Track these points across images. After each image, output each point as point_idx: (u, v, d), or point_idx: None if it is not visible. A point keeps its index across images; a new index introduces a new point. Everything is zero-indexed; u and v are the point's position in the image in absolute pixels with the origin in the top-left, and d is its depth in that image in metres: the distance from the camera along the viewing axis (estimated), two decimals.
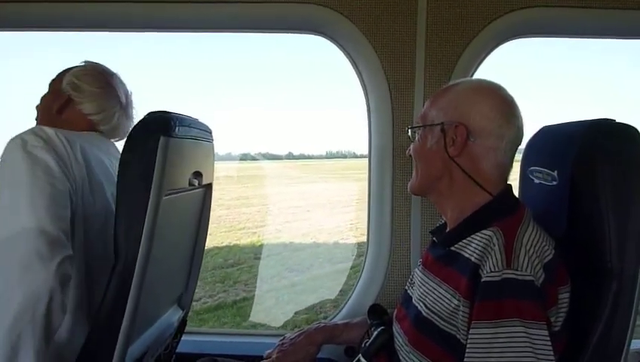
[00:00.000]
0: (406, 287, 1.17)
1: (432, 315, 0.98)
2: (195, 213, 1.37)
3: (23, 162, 1.01)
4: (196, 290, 1.52)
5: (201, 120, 1.28)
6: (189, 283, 1.43)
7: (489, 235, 0.95)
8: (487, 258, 0.92)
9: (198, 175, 1.23)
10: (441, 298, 0.98)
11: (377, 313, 1.20)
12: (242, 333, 1.87)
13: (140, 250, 0.99)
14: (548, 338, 0.86)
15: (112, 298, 0.99)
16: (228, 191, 12.98)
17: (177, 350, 1.46)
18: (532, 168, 1.21)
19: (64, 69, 1.33)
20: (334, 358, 1.57)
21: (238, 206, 11.28)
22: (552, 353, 0.85)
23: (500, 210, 1.01)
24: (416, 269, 1.17)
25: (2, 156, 1.05)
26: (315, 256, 7.49)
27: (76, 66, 1.33)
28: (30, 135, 1.06)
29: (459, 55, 1.64)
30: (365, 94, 1.73)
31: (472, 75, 1.67)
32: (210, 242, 7.92)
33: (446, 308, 0.96)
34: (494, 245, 0.93)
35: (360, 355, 1.14)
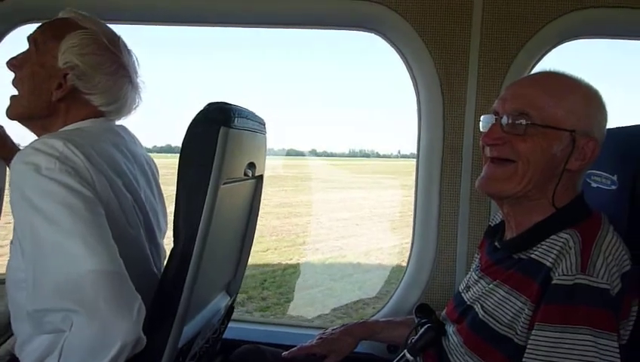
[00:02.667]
0: (460, 290, 1.16)
1: (490, 319, 0.97)
2: (246, 203, 1.40)
3: (49, 190, 0.88)
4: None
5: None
6: (237, 270, 1.47)
7: (565, 238, 0.92)
8: (562, 261, 0.89)
9: (252, 166, 1.27)
10: (503, 302, 0.96)
11: (425, 312, 1.20)
12: (284, 323, 1.91)
13: (198, 234, 1.02)
14: (617, 351, 0.83)
15: (171, 278, 1.03)
16: (266, 194, 12.40)
17: (223, 336, 1.50)
18: (590, 172, 1.18)
19: (50, 25, 1.11)
20: (377, 354, 1.58)
21: (287, 215, 11.00)
22: None
23: (571, 217, 0.98)
24: (472, 272, 1.15)
25: (14, 183, 0.91)
26: (385, 279, 7.17)
27: (69, 29, 1.09)
28: (39, 155, 0.91)
29: (514, 55, 1.62)
30: (416, 93, 1.73)
31: None
32: (279, 257, 7.88)
33: (508, 311, 0.94)
34: (570, 248, 0.90)
35: (405, 351, 1.14)
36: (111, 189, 1.01)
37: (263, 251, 8.01)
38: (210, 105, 1.08)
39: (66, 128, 1.11)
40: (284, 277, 7.00)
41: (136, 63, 1.20)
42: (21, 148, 1.05)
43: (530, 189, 0.99)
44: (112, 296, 0.86)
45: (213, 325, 1.35)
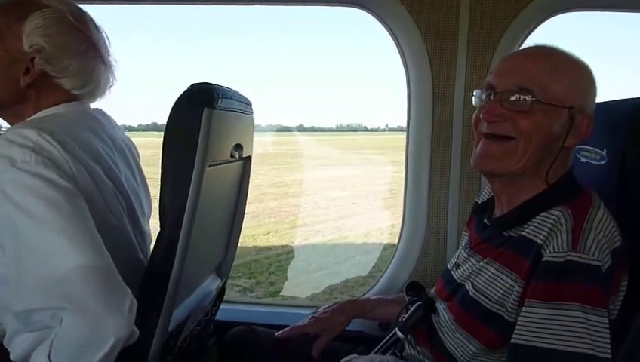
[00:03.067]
0: (449, 267, 1.16)
1: (481, 296, 0.97)
2: (234, 185, 1.39)
3: (28, 185, 0.84)
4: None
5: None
6: (227, 253, 1.47)
7: (556, 215, 0.92)
8: (553, 238, 0.89)
9: (238, 147, 1.25)
10: (494, 279, 0.96)
11: (415, 290, 1.20)
12: (277, 304, 1.92)
13: (185, 217, 1.01)
14: (607, 327, 0.83)
15: (159, 262, 1.02)
16: (258, 173, 12.21)
17: (216, 317, 1.50)
18: (579, 147, 1.18)
19: (7, 3, 1.04)
20: (368, 331, 1.59)
21: (283, 195, 10.70)
22: (609, 342, 0.83)
23: (562, 193, 0.97)
24: (461, 250, 1.15)
25: None
26: (385, 260, 7.25)
27: (30, 8, 1.01)
28: (13, 147, 0.86)
29: (503, 30, 1.60)
30: (405, 69, 1.71)
31: None
32: (281, 240, 7.77)
33: (499, 289, 0.94)
34: (562, 226, 0.90)
35: (396, 328, 1.15)
36: (90, 178, 0.97)
37: (264, 234, 7.90)
38: (193, 85, 1.06)
39: (39, 115, 1.05)
40: (289, 261, 6.94)
41: (106, 41, 1.13)
42: None
43: (528, 167, 0.97)
44: (101, 293, 0.84)
45: (205, 307, 1.34)
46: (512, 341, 0.88)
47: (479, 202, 1.21)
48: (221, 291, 1.47)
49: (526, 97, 0.94)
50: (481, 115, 1.01)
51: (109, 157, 1.09)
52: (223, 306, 1.52)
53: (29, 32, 1.00)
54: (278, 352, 1.37)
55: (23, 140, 0.88)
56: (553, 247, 0.87)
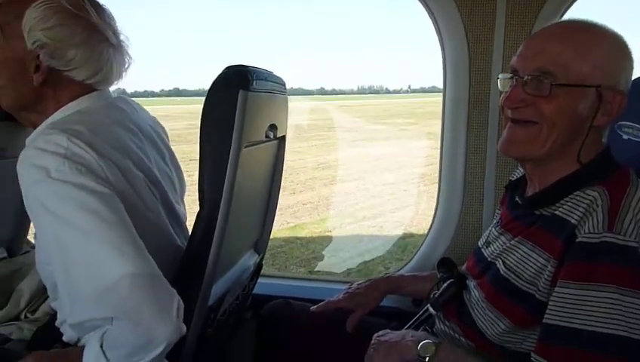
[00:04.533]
0: (480, 245, 1.16)
1: (512, 275, 0.97)
2: (270, 164, 1.42)
3: (64, 196, 0.84)
4: None
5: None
6: (264, 230, 1.51)
7: (593, 196, 0.90)
8: (588, 218, 0.87)
9: (273, 127, 1.27)
10: (525, 258, 0.96)
11: (447, 266, 1.21)
12: (313, 278, 1.96)
13: (223, 197, 1.05)
14: None
15: (198, 241, 1.07)
16: (298, 151, 11.63)
17: (253, 291, 1.56)
18: (621, 123, 1.14)
19: (4, 2, 0.99)
20: (402, 307, 1.62)
21: (332, 180, 9.66)
22: None
23: (597, 172, 0.94)
24: (492, 228, 1.14)
25: (28, 191, 0.88)
26: None
27: (24, 2, 0.97)
28: (46, 156, 0.86)
29: (542, 2, 1.53)
30: (441, 43, 1.67)
31: None
32: (351, 239, 6.59)
33: (530, 268, 0.94)
34: (598, 206, 0.88)
35: (429, 305, 1.17)
36: (123, 176, 0.96)
37: (329, 231, 6.87)
38: (228, 68, 1.08)
39: (63, 112, 1.03)
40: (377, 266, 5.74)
41: (111, 20, 1.07)
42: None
43: (554, 151, 0.95)
44: (150, 300, 0.84)
45: (243, 282, 1.40)
46: (545, 320, 0.88)
47: (512, 179, 1.19)
48: (258, 266, 1.52)
49: (546, 81, 0.92)
50: (502, 102, 0.99)
51: (139, 147, 1.09)
52: (260, 280, 1.58)
53: (28, 29, 0.96)
54: (313, 326, 1.41)
55: (54, 148, 0.87)
56: (588, 228, 0.86)
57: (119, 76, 1.11)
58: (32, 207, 0.87)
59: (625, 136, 1.13)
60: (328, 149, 13.01)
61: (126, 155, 1.01)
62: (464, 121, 1.65)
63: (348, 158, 11.54)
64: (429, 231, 1.82)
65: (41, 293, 1.31)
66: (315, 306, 1.41)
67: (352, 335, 1.34)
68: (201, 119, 1.07)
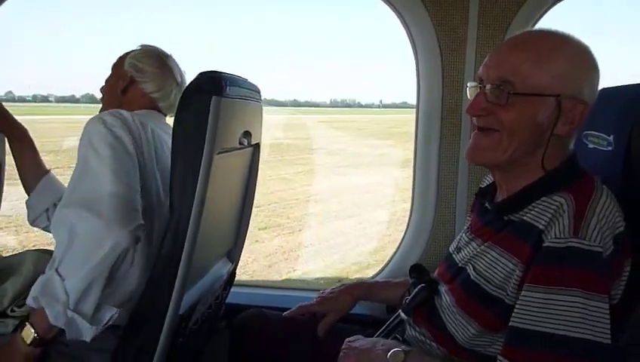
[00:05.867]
0: (451, 251, 1.17)
1: (482, 280, 0.98)
2: (244, 171, 1.41)
3: (105, 137, 1.11)
4: None
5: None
6: (238, 238, 1.50)
7: (560, 202, 0.92)
8: (555, 224, 0.89)
9: (247, 134, 1.27)
10: (495, 263, 0.97)
11: (419, 272, 1.22)
12: (287, 287, 1.95)
13: (194, 204, 1.04)
14: (607, 313, 0.83)
15: (169, 249, 1.06)
16: (287, 179, 10.81)
17: (227, 300, 1.54)
18: (587, 132, 1.17)
19: (124, 53, 1.43)
20: (376, 314, 1.62)
21: (326, 216, 8.85)
22: (609, 328, 0.83)
23: (561, 179, 0.96)
24: (463, 234, 1.16)
25: (85, 131, 1.15)
26: None
27: (135, 50, 1.43)
28: (109, 116, 1.16)
29: (514, 13, 1.57)
30: (414, 52, 1.70)
31: None
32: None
33: (499, 273, 0.95)
34: (564, 212, 0.89)
35: (400, 311, 1.17)
36: (157, 164, 1.21)
37: (338, 282, 5.85)
38: (201, 74, 1.08)
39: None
40: None
41: (179, 69, 1.46)
42: None
43: (516, 158, 0.97)
44: (120, 210, 1.04)
45: (215, 291, 1.38)
46: (511, 323, 0.89)
47: (482, 186, 1.21)
48: (231, 275, 1.51)
49: (503, 91, 0.94)
50: (466, 109, 1.02)
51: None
52: (234, 289, 1.56)
53: (126, 62, 1.40)
54: (287, 335, 1.40)
55: (117, 113, 1.17)
56: (555, 233, 0.88)
57: (174, 108, 1.35)
58: (82, 142, 1.13)
59: (590, 145, 1.15)
60: (316, 177, 12.37)
61: (159, 150, 1.25)
62: (437, 131, 1.68)
63: (337, 189, 10.83)
64: (402, 239, 1.83)
65: (25, 292, 1.29)
66: (287, 311, 1.40)
67: (326, 344, 1.33)
68: (173, 125, 1.06)
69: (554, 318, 0.84)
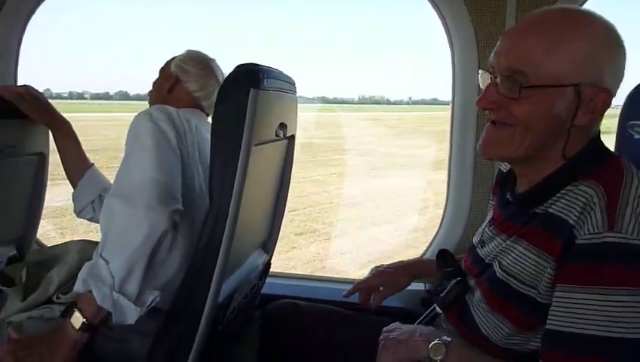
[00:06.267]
0: (475, 243, 1.10)
1: (509, 278, 0.92)
2: (279, 163, 1.43)
3: (151, 130, 1.16)
4: None
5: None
6: (272, 229, 1.52)
7: (589, 193, 0.84)
8: (586, 218, 0.82)
9: (283, 126, 1.28)
10: (522, 259, 0.90)
11: (446, 259, 1.15)
12: (322, 279, 1.95)
13: (233, 196, 1.06)
14: None
15: (208, 239, 1.08)
16: (321, 181, 10.59)
17: (262, 291, 1.56)
18: (632, 122, 1.13)
19: (171, 57, 1.53)
20: (410, 307, 1.61)
21: (362, 222, 8.43)
22: None
23: (584, 163, 0.89)
24: (485, 227, 1.09)
25: (132, 125, 1.21)
26: None
27: (181, 54, 1.52)
28: (155, 110, 1.22)
29: (554, 1, 1.53)
30: (450, 45, 1.68)
31: None
32: None
33: (528, 269, 0.89)
34: (595, 204, 0.82)
35: (436, 305, 1.11)
36: (199, 159, 1.25)
37: None
38: (239, 67, 1.09)
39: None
40: None
41: (221, 71, 1.53)
42: None
43: (532, 152, 0.90)
44: (158, 195, 1.08)
45: (251, 281, 1.40)
46: (548, 326, 0.84)
47: (503, 171, 1.13)
48: (267, 266, 1.53)
49: (515, 83, 0.86)
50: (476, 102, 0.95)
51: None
52: (269, 280, 1.58)
53: (174, 62, 1.49)
54: (320, 326, 1.39)
55: (163, 109, 1.22)
56: (588, 229, 0.81)
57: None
58: (129, 133, 1.19)
59: (636, 136, 1.12)
60: (349, 179, 11.91)
61: (201, 147, 1.29)
62: (473, 124, 1.65)
63: (371, 193, 10.37)
64: (435, 235, 1.82)
65: (72, 279, 1.35)
66: (346, 291, 1.37)
67: (360, 336, 1.32)
68: (212, 117, 1.08)
69: (595, 319, 0.79)
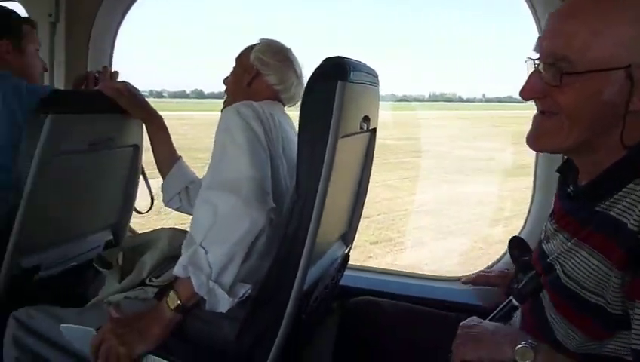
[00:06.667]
0: (541, 238, 1.02)
1: (573, 284, 0.84)
2: (361, 156, 1.43)
3: (241, 127, 1.21)
4: None
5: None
6: (352, 222, 1.53)
7: None
8: None
9: (366, 119, 1.28)
10: (584, 264, 0.82)
11: (520, 249, 1.10)
12: (400, 273, 1.92)
13: (319, 187, 1.07)
14: None
15: (294, 230, 1.10)
16: (390, 186, 10.00)
17: (341, 283, 1.58)
18: None
19: (247, 47, 1.53)
20: (483, 304, 1.56)
21: (438, 232, 7.86)
22: None
23: None
24: (548, 222, 1.00)
25: (222, 121, 1.26)
26: None
27: (258, 44, 1.51)
28: (243, 107, 1.26)
29: None
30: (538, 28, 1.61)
31: None
32: None
33: (592, 276, 0.81)
34: None
35: (511, 297, 1.04)
36: (283, 154, 1.29)
37: None
38: (326, 60, 1.11)
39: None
40: None
41: (298, 61, 1.52)
42: None
43: (582, 142, 0.83)
44: (257, 192, 1.13)
45: (332, 272, 1.42)
46: (633, 347, 0.76)
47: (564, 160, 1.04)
48: (345, 257, 1.54)
49: (557, 70, 0.79)
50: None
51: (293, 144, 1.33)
52: (348, 272, 1.59)
53: (252, 55, 1.48)
54: (400, 327, 1.38)
55: (249, 104, 1.27)
56: None
57: (292, 100, 1.51)
58: (219, 128, 1.23)
59: None
60: (421, 184, 11.17)
61: (290, 142, 1.34)
62: None
63: (447, 200, 9.71)
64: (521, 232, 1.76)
65: (163, 263, 1.46)
66: (465, 277, 1.37)
67: (438, 336, 1.26)
68: (300, 110, 1.11)
69: None
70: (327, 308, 1.54)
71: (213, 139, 1.25)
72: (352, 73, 1.11)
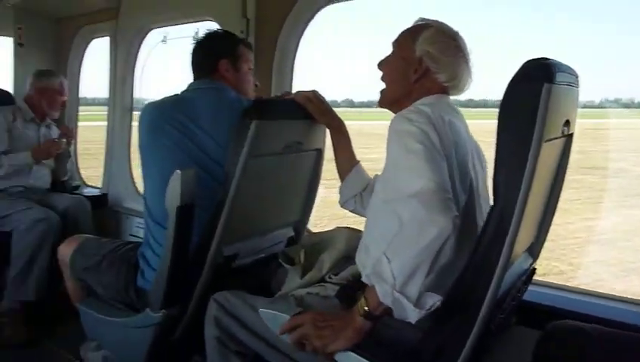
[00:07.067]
0: None
1: None
2: (556, 162, 1.35)
3: (414, 133, 1.18)
4: None
5: None
6: (540, 232, 1.44)
7: None
8: None
9: (567, 123, 1.20)
10: None
11: None
12: (592, 294, 1.75)
13: (520, 192, 1.03)
14: None
15: (492, 236, 1.08)
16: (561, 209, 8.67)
17: (524, 298, 1.49)
18: None
19: (407, 30, 1.42)
20: None
21: (621, 269, 6.61)
22: None
23: None
24: None
25: (392, 129, 1.23)
26: None
27: (422, 29, 1.39)
28: (413, 113, 1.23)
29: None
30: None
31: None
32: None
33: None
34: None
35: None
36: (455, 160, 1.25)
37: None
38: (530, 62, 1.07)
39: (416, 103, 1.34)
40: None
41: (467, 47, 1.41)
42: None
43: None
44: (440, 198, 1.10)
45: (518, 285, 1.35)
46: None
47: None
48: (532, 271, 1.45)
49: None
50: None
51: (467, 144, 1.31)
52: (531, 287, 1.50)
53: (420, 43, 1.37)
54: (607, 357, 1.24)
55: (418, 110, 1.25)
56: None
57: (462, 89, 1.43)
58: (390, 137, 1.22)
59: None
60: (596, 208, 9.83)
61: (459, 147, 1.28)
62: None
63: (628, 228, 8.33)
64: None
65: (340, 262, 1.53)
66: None
67: None
68: (500, 112, 1.08)
69: None
70: (509, 321, 1.47)
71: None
72: (557, 74, 1.05)
